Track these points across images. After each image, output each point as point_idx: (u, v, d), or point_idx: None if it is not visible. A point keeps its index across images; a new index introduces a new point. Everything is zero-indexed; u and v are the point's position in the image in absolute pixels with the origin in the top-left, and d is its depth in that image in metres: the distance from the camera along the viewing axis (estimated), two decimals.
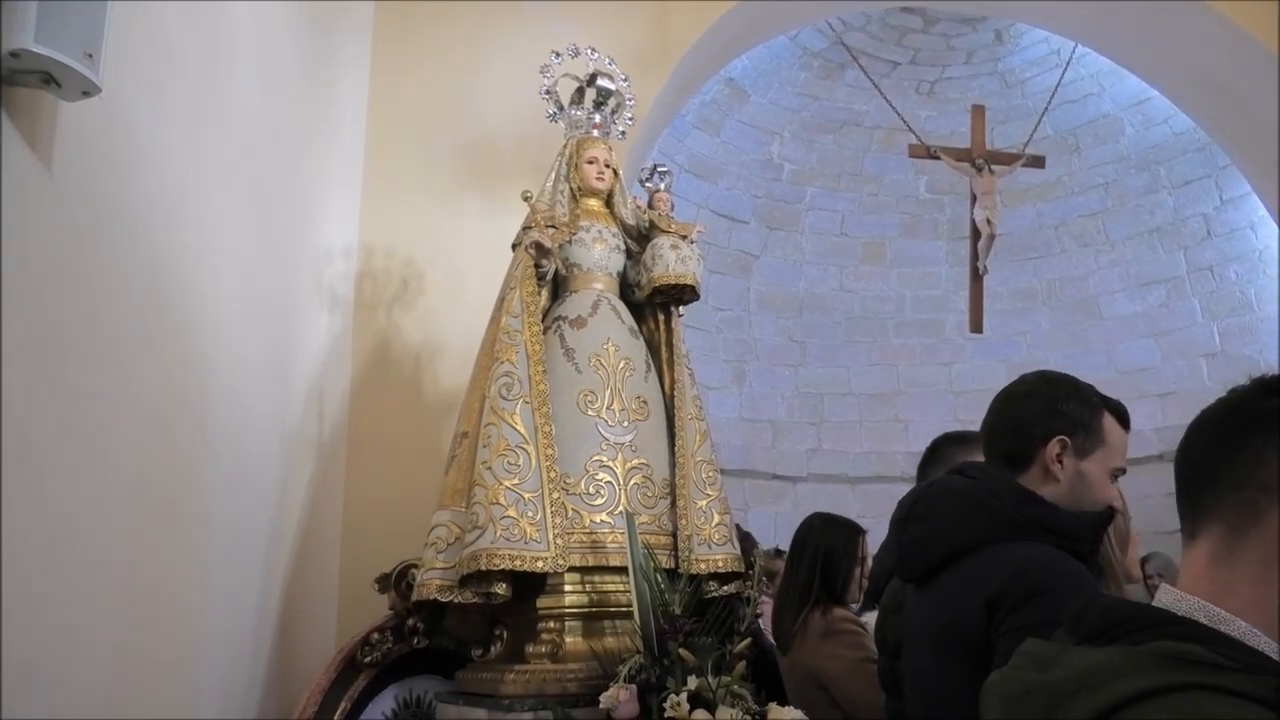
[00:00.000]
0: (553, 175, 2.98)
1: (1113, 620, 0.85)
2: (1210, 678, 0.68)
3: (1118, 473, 1.66)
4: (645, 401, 2.79)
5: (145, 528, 2.02)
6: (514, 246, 2.89)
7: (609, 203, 3.05)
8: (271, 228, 2.89)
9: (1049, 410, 1.61)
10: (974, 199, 5.58)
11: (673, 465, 2.76)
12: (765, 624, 2.87)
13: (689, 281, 2.90)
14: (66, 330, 1.65)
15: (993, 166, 5.59)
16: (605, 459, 2.66)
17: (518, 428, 2.53)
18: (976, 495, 1.57)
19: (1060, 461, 1.59)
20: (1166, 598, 0.87)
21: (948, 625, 1.54)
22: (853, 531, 2.68)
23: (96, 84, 1.41)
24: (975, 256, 5.58)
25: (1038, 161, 5.77)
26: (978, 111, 5.74)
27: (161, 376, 2.08)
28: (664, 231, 2.97)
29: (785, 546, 3.43)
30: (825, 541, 2.62)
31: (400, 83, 3.88)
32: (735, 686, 2.22)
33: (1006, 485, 1.58)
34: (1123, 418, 1.68)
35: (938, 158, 5.65)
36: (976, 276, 5.60)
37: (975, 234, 5.57)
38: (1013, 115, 6.41)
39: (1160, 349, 6.39)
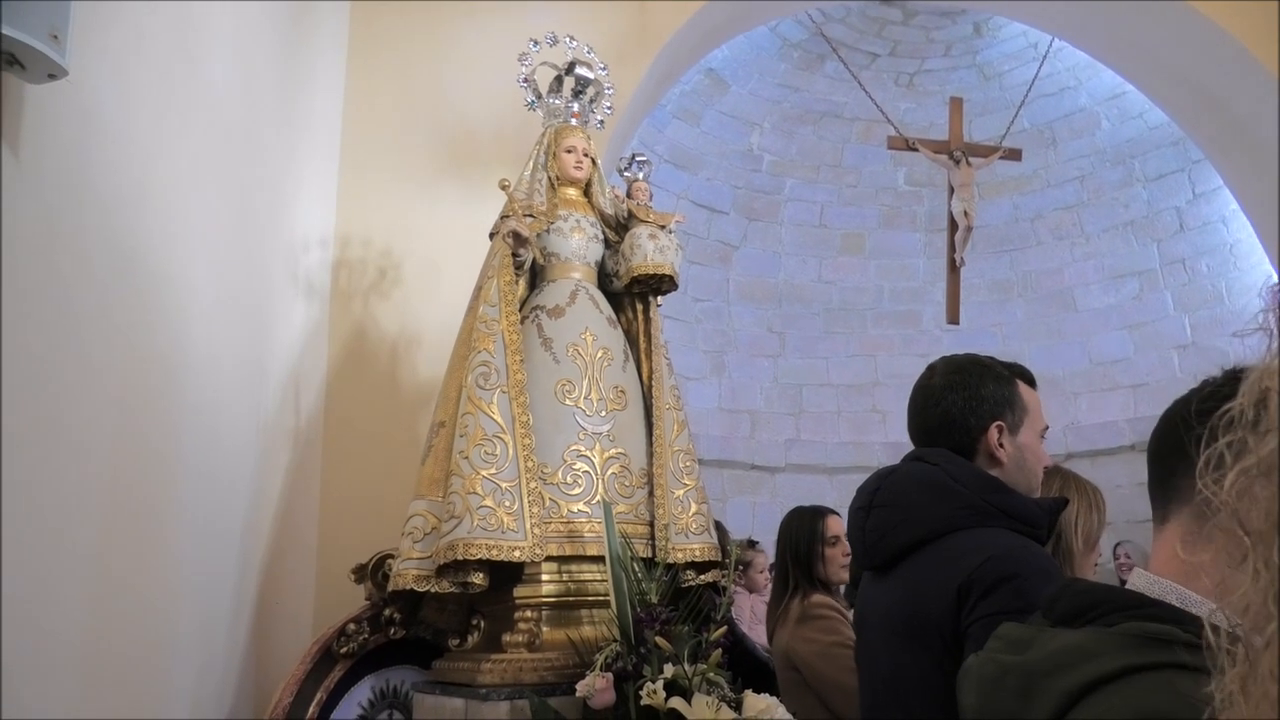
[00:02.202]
0: (530, 164, 2.96)
1: (1087, 603, 0.86)
2: (1183, 657, 0.70)
3: (1044, 432, 1.69)
4: (623, 391, 2.78)
5: (117, 519, 1.99)
6: (491, 235, 2.87)
7: (587, 192, 3.04)
8: (245, 215, 2.86)
9: (975, 399, 1.63)
10: (951, 191, 5.62)
11: (650, 455, 2.76)
12: (736, 613, 2.92)
13: (667, 271, 2.90)
14: (32, 318, 1.63)
15: (970, 159, 5.62)
16: (583, 448, 2.66)
17: (495, 417, 2.52)
18: (940, 483, 1.58)
19: (1002, 445, 1.61)
20: (1139, 581, 0.88)
21: (914, 612, 1.54)
22: (814, 515, 2.80)
23: (63, 66, 1.38)
24: (952, 248, 5.61)
25: (1015, 154, 5.82)
26: (956, 104, 5.77)
27: (132, 366, 2.06)
28: (642, 221, 2.96)
29: (762, 536, 3.46)
30: (789, 532, 2.79)
31: (377, 70, 3.84)
32: (711, 674, 2.23)
33: (969, 472, 1.59)
34: (1028, 379, 1.71)
35: (916, 150, 5.67)
36: (954, 268, 5.64)
37: (953, 226, 5.61)
38: (990, 108, 6.46)
39: (1133, 341, 6.47)
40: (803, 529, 2.75)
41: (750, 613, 4.37)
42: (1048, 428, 1.71)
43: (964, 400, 1.63)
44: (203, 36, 2.46)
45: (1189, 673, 0.71)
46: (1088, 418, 6.38)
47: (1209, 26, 4.33)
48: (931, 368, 1.73)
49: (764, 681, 2.56)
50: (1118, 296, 6.57)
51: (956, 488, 1.55)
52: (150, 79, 2.10)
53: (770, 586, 3.16)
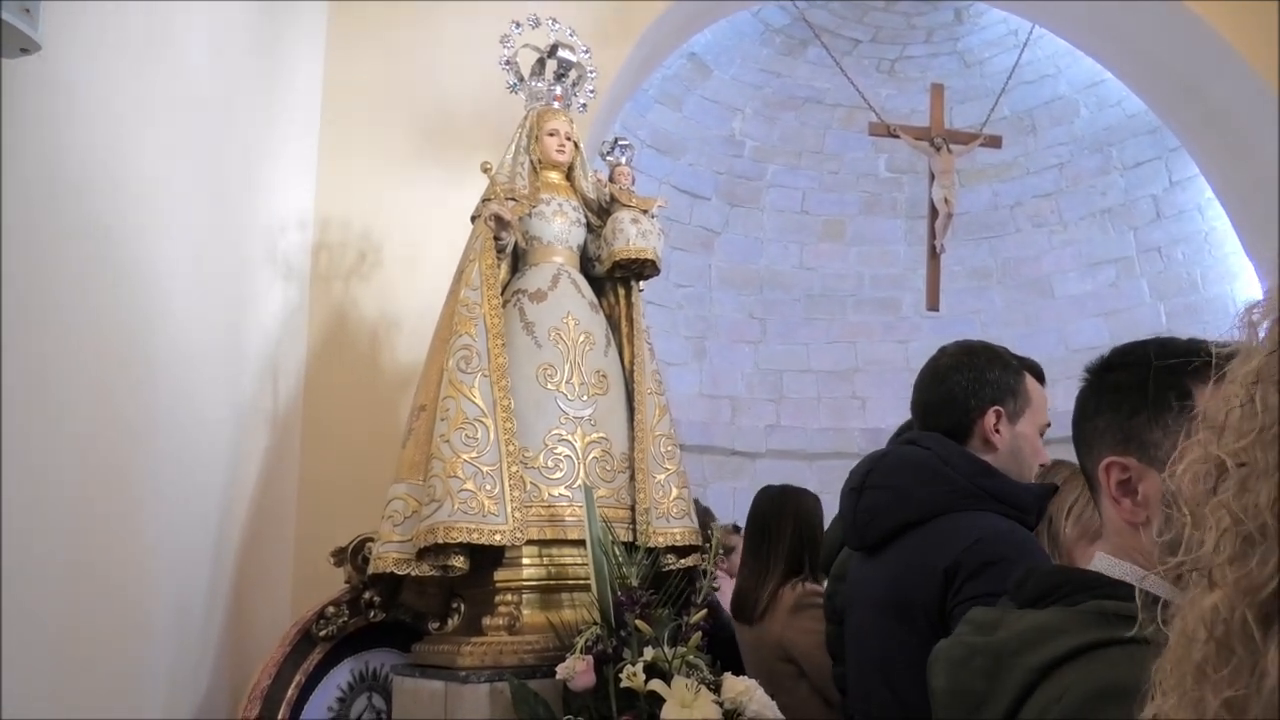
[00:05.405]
0: (513, 147, 2.94)
1: (1051, 584, 0.89)
2: (1143, 632, 0.72)
3: (1044, 428, 1.72)
4: (605, 376, 2.79)
5: (93, 502, 1.98)
6: (473, 219, 2.86)
7: (569, 176, 3.03)
8: (223, 196, 2.83)
9: (978, 382, 1.66)
10: (932, 178, 5.63)
11: (631, 439, 2.77)
12: (722, 599, 2.90)
13: (649, 256, 2.90)
14: (4, 299, 1.60)
15: (951, 146, 5.63)
16: (564, 433, 2.66)
17: (476, 401, 2.52)
18: (932, 465, 1.60)
19: (998, 430, 1.63)
20: (1101, 563, 0.90)
21: (902, 593, 1.56)
22: (818, 500, 2.73)
23: (36, 40, 1.36)
24: (933, 235, 5.63)
25: (995, 141, 5.83)
26: (937, 90, 5.78)
27: (107, 348, 2.03)
28: (625, 205, 2.95)
29: (744, 521, 3.44)
30: (804, 512, 2.65)
31: (358, 50, 3.80)
32: (691, 657, 2.24)
33: (961, 456, 1.61)
34: (1038, 374, 1.75)
35: (897, 136, 5.67)
36: (934, 255, 5.66)
37: (933, 213, 5.62)
38: (971, 95, 6.47)
39: (1109, 328, 6.53)
40: (818, 512, 2.65)
41: None
42: (1049, 424, 1.74)
43: (968, 381, 1.66)
44: (179, 12, 2.42)
45: (1151, 648, 0.73)
46: (1064, 404, 6.37)
47: (1186, 14, 4.37)
48: (943, 349, 1.77)
49: (743, 665, 2.58)
50: (1094, 284, 6.62)
51: (947, 471, 1.58)
52: (125, 56, 2.06)
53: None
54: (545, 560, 2.59)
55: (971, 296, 6.78)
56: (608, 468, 2.69)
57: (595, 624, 2.32)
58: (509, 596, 2.54)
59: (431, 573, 2.49)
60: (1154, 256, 6.43)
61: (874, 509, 1.65)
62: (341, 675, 2.81)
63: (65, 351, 1.85)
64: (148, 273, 2.23)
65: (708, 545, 2.65)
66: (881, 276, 6.97)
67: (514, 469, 2.50)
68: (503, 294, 2.80)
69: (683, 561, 2.72)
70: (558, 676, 2.25)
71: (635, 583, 2.33)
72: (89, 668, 1.97)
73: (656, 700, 2.14)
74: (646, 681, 2.17)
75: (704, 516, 3.09)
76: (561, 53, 3.01)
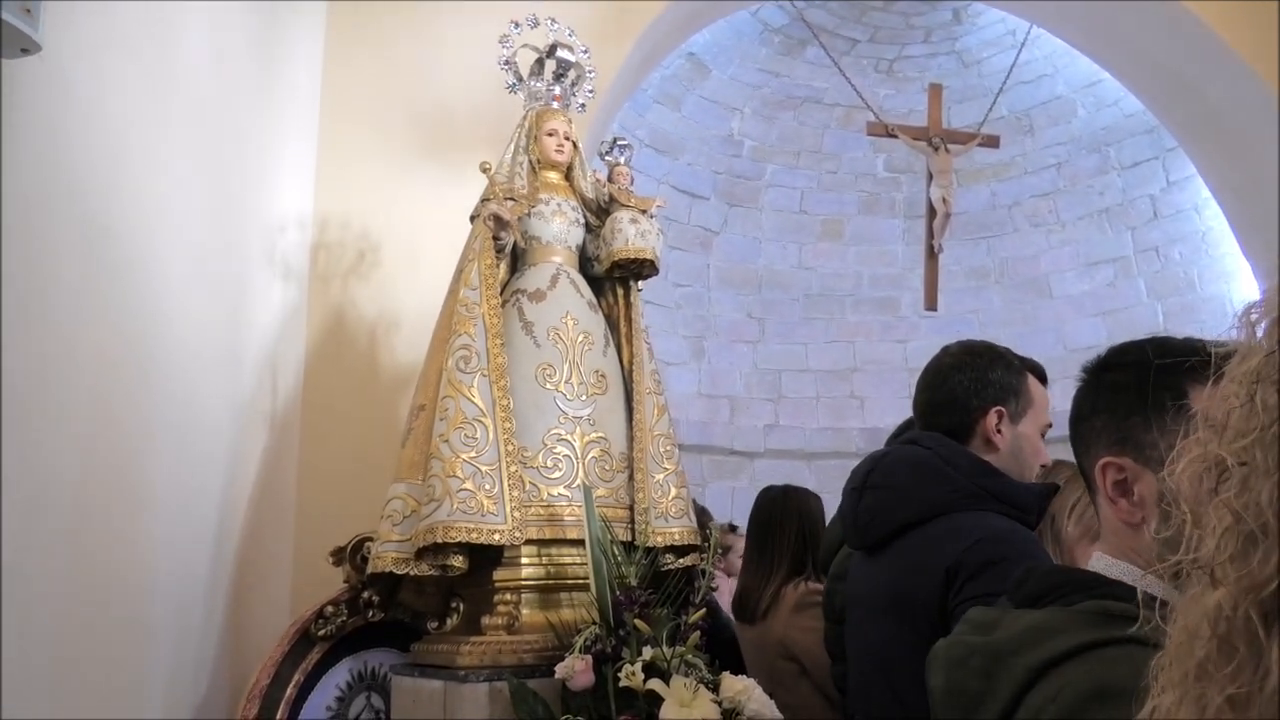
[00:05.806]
0: (512, 147, 2.95)
1: (1050, 584, 0.89)
2: (1141, 632, 0.73)
3: (1046, 429, 1.72)
4: (604, 376, 2.79)
5: (92, 501, 1.98)
6: (472, 218, 2.87)
7: (568, 176, 3.03)
8: (222, 196, 2.83)
9: (980, 382, 1.66)
10: (930, 178, 5.64)
11: (630, 439, 2.77)
12: (720, 599, 2.91)
13: (648, 256, 2.90)
14: (4, 299, 1.60)
15: (949, 145, 5.64)
16: (563, 432, 2.66)
17: (475, 400, 2.52)
18: (933, 465, 1.60)
19: (1000, 431, 1.64)
20: (1099, 563, 0.91)
21: (903, 593, 1.57)
22: (820, 500, 2.73)
23: (36, 41, 1.36)
24: (931, 235, 5.64)
25: (992, 141, 5.84)
26: (935, 90, 5.79)
27: (106, 348, 2.04)
28: (624, 205, 2.96)
29: (741, 521, 3.44)
30: (808, 512, 2.66)
31: (357, 50, 3.80)
32: (689, 656, 2.25)
33: (962, 456, 1.61)
34: (1041, 375, 1.75)
35: (895, 136, 5.68)
36: (932, 255, 5.66)
37: (931, 213, 5.63)
38: (969, 95, 6.48)
39: (1107, 327, 6.54)
40: (816, 508, 2.66)
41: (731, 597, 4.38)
42: (1050, 425, 1.74)
43: (970, 381, 1.66)
44: (178, 13, 2.42)
45: (1148, 648, 0.74)
46: (1062, 404, 6.38)
47: (1184, 14, 4.38)
48: (946, 348, 1.77)
49: (743, 664, 2.58)
50: (1092, 283, 6.63)
51: (948, 471, 1.58)
52: (124, 55, 2.07)
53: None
54: (544, 560, 2.59)
55: (970, 296, 6.79)
56: (606, 467, 2.70)
57: (594, 623, 2.32)
58: (508, 596, 2.54)
59: (430, 572, 2.49)
60: (1151, 256, 6.45)
61: (875, 509, 1.65)
62: (340, 675, 2.81)
63: (65, 351, 1.85)
64: (146, 273, 2.23)
65: (706, 545, 2.66)
66: (880, 276, 6.98)
67: (513, 469, 2.50)
68: (502, 294, 2.80)
69: (681, 561, 2.73)
70: (557, 676, 2.25)
71: (634, 582, 2.34)
72: (89, 668, 1.97)
73: (655, 699, 2.15)
74: (645, 681, 2.17)
75: (701, 516, 3.10)
76: (560, 53, 3.01)
